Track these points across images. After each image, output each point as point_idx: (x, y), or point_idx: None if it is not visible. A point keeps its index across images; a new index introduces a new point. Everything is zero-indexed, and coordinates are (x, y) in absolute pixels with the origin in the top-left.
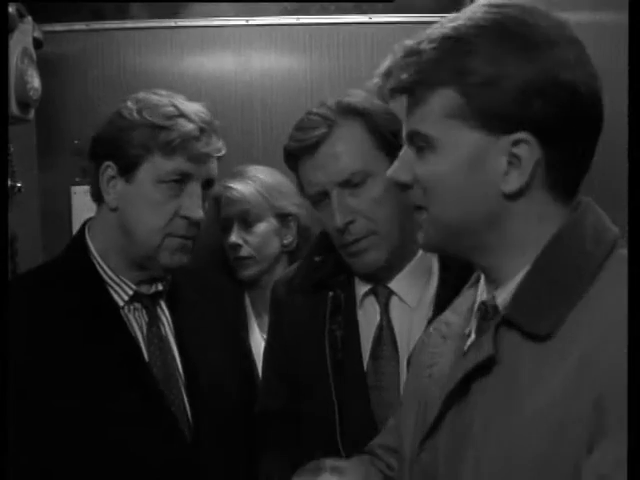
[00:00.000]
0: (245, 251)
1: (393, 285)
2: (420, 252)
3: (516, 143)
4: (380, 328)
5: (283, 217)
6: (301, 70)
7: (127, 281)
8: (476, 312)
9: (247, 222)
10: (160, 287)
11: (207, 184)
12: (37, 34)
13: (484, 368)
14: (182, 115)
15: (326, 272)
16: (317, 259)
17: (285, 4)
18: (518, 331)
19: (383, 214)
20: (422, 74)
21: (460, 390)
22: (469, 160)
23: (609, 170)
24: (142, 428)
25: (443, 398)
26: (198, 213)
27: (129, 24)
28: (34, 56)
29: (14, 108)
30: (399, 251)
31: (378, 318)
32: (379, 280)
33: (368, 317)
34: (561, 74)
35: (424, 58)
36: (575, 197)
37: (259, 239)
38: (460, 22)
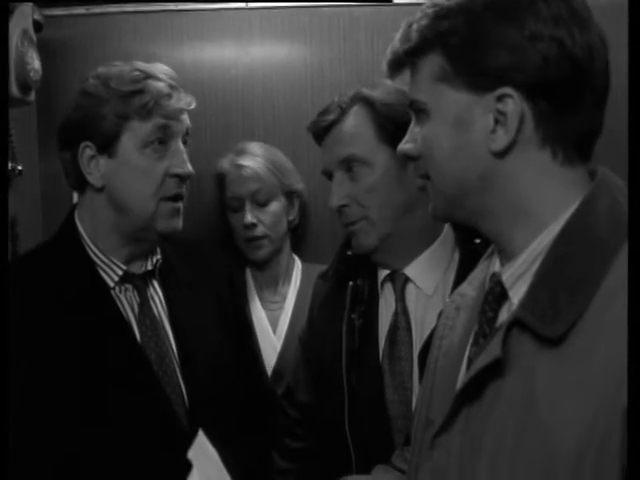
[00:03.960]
0: (260, 230)
1: (408, 271)
2: (439, 239)
3: (500, 99)
4: (395, 314)
5: (290, 195)
6: (301, 53)
7: (117, 261)
8: (488, 284)
9: (260, 201)
10: (150, 267)
11: (184, 141)
12: (37, 16)
13: (495, 370)
14: (149, 76)
15: (352, 264)
16: (349, 252)
17: None
18: (531, 333)
19: (376, 202)
20: (410, 42)
21: (474, 389)
22: (457, 121)
23: (609, 163)
24: (136, 410)
25: (452, 400)
26: (187, 168)
27: (129, 8)
28: (34, 38)
29: (15, 90)
30: (396, 238)
31: (394, 305)
32: (388, 265)
33: (388, 304)
34: (543, 29)
35: (413, 28)
36: (584, 160)
37: (273, 218)
38: None
